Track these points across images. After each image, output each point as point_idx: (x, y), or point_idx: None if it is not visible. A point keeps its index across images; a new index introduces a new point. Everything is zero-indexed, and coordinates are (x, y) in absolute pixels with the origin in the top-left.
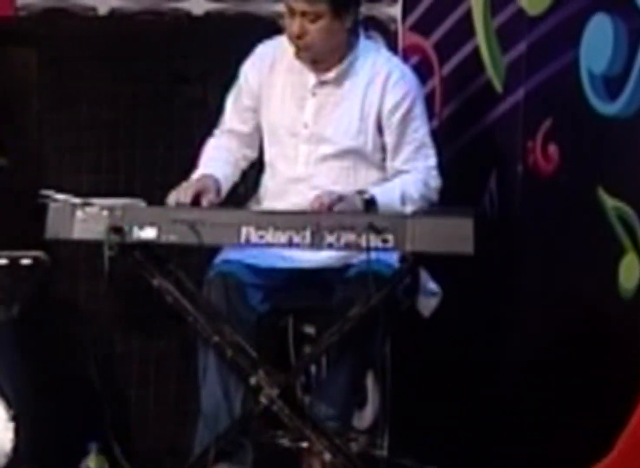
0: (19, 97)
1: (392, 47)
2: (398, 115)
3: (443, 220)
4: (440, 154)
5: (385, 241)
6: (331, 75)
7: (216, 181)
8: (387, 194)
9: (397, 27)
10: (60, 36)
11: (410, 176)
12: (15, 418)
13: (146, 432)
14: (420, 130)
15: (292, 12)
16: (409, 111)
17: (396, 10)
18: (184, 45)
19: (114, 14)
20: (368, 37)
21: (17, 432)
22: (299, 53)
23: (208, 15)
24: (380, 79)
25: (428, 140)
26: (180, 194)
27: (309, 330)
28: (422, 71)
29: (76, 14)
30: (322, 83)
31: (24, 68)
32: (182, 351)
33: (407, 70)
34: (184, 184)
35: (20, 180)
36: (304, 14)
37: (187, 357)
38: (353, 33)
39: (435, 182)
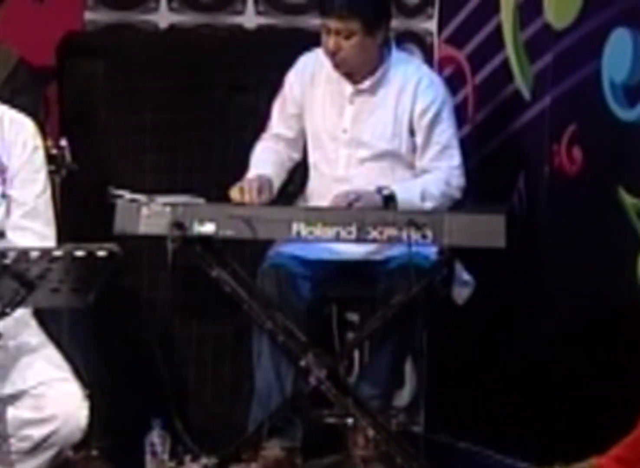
0: (88, 104)
1: (429, 58)
2: (427, 118)
3: (477, 216)
4: (470, 156)
5: (424, 236)
6: (366, 84)
7: (269, 181)
8: (408, 191)
9: (433, 40)
10: (124, 48)
11: (433, 175)
12: (89, 396)
13: (204, 410)
14: (446, 132)
15: (327, 30)
16: (436, 114)
17: (432, 25)
18: (238, 57)
19: (173, 28)
20: (406, 50)
21: (91, 409)
22: (336, 67)
23: (260, 28)
24: (411, 86)
25: (453, 142)
26: (246, 193)
27: (352, 317)
28: (456, 80)
29: (139, 28)
30: (358, 92)
31: (92, 78)
32: (236, 335)
33: (435, 78)
34: (245, 182)
35: (89, 180)
36: (338, 31)
37: (241, 341)
38: (385, 46)
39: (457, 181)
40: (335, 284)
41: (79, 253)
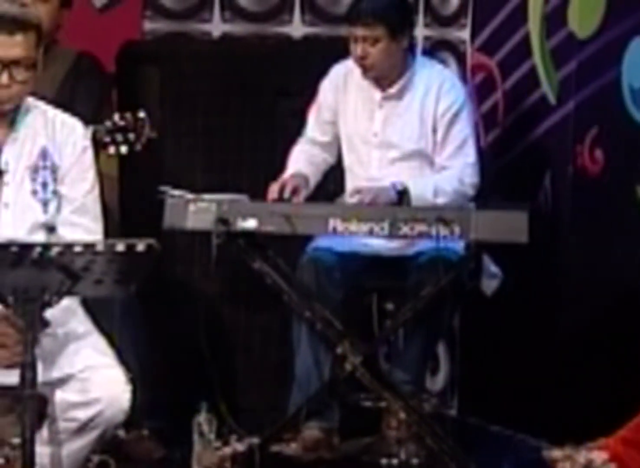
0: (143, 108)
1: (462, 65)
2: (447, 117)
3: (502, 213)
4: (500, 157)
5: (452, 231)
6: (393, 90)
7: (306, 178)
8: (421, 187)
9: (466, 49)
10: (179, 56)
11: (448, 172)
12: (132, 381)
13: (251, 394)
14: (463, 132)
15: (354, 38)
16: (455, 114)
17: (465, 34)
18: (285, 64)
19: (225, 37)
20: (440, 58)
21: (134, 393)
22: (364, 73)
23: (306, 38)
24: (434, 89)
25: (469, 141)
26: (278, 189)
27: (390, 307)
28: (487, 86)
29: (194, 37)
30: (386, 97)
31: (148, 84)
32: (282, 323)
33: (456, 81)
34: (281, 180)
35: (145, 179)
36: (364, 39)
37: (286, 330)
38: (409, 51)
39: (470, 179)
40: (369, 276)
41: (120, 247)
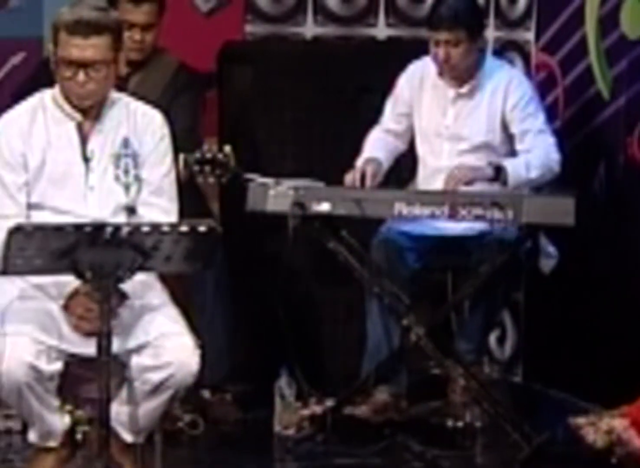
0: (240, 104)
1: (527, 64)
2: (518, 111)
3: (551, 198)
4: (560, 147)
5: (505, 215)
6: (465, 89)
7: (380, 164)
8: (514, 163)
9: (530, 49)
10: (271, 56)
11: (534, 151)
12: (201, 347)
13: (333, 361)
14: (538, 120)
15: (436, 42)
16: (526, 107)
17: (530, 35)
18: (368, 63)
19: (316, 38)
20: (507, 58)
21: (203, 358)
22: (443, 73)
23: (389, 39)
24: (502, 87)
25: (545, 127)
26: (358, 178)
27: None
28: (549, 83)
29: (288, 38)
30: (458, 96)
31: (244, 81)
32: (363, 298)
33: (523, 78)
34: (360, 168)
35: (242, 167)
36: (447, 42)
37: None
38: (481, 52)
39: (555, 155)
40: (437, 256)
41: (183, 228)
